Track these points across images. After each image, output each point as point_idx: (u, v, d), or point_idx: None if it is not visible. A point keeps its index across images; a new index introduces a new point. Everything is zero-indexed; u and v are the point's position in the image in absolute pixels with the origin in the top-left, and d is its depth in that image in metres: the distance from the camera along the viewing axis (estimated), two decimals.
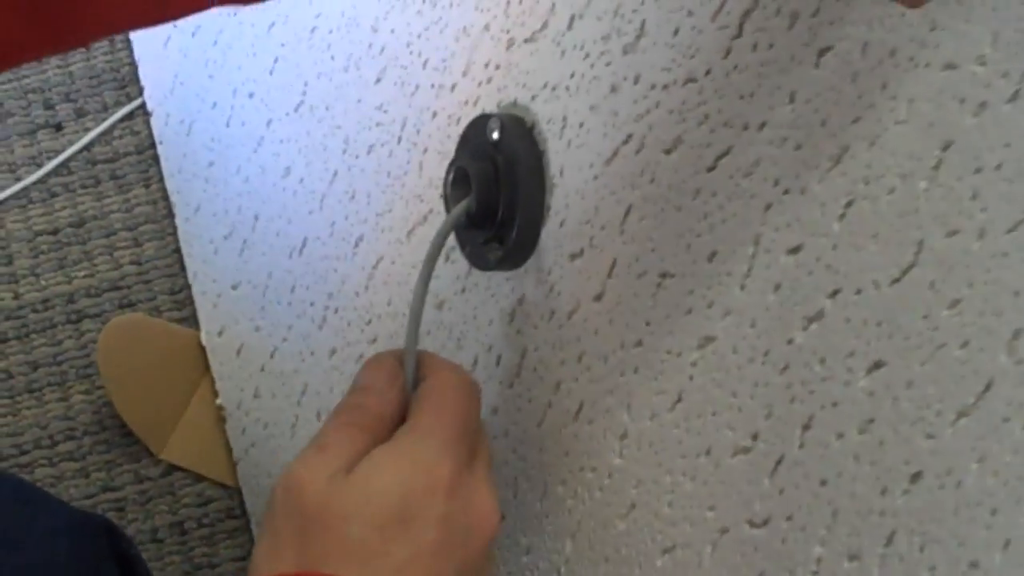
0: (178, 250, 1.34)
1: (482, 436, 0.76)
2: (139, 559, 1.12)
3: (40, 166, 1.36)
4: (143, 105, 1.38)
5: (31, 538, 0.98)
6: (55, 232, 1.34)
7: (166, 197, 1.36)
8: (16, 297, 1.32)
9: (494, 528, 0.74)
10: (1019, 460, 0.53)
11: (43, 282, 1.33)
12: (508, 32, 0.78)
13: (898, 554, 0.59)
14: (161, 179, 1.36)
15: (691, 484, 0.70)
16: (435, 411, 0.74)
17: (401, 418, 0.75)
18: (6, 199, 1.34)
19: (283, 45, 1.08)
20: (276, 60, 1.10)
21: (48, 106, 1.37)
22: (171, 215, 1.35)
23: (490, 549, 0.74)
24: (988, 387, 0.54)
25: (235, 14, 1.17)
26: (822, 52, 0.59)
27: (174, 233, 1.34)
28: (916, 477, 0.58)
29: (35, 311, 1.32)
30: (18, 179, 1.35)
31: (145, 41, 1.37)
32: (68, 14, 0.50)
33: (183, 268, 1.34)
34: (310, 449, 0.73)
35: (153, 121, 1.36)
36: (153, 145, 1.37)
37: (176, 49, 1.30)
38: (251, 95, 1.15)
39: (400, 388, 0.76)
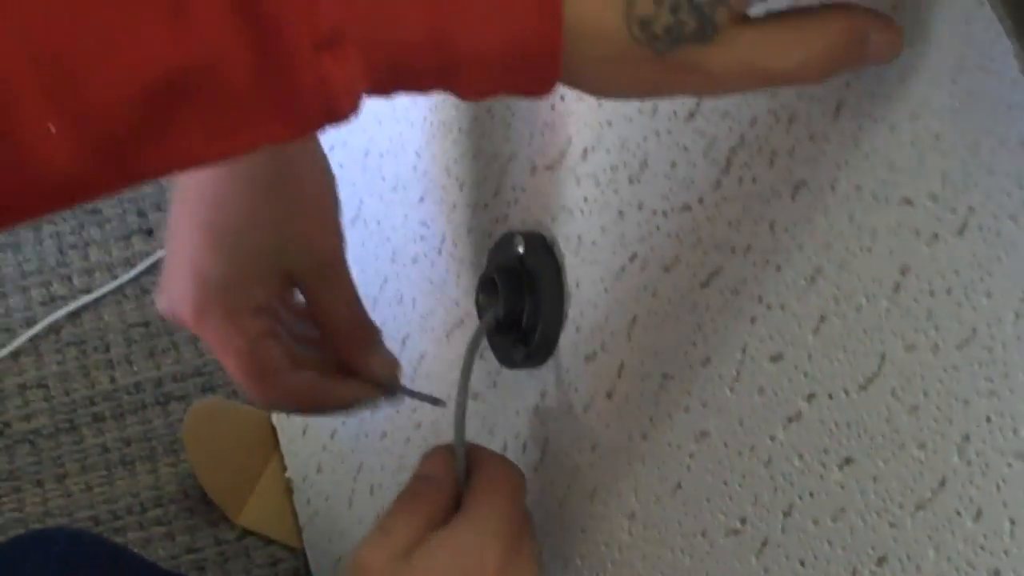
0: None
1: (527, 519, 0.75)
2: None
3: (133, 266, 1.37)
4: None
5: None
6: (146, 324, 1.35)
7: None
8: (112, 381, 1.33)
9: None
10: (969, 548, 0.52)
11: (135, 368, 1.33)
12: (531, 161, 0.78)
13: None
14: None
15: (689, 560, 0.70)
16: (488, 500, 0.73)
17: (456, 505, 0.74)
18: (104, 295, 1.35)
19: (341, 166, 1.08)
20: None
21: (141, 214, 1.38)
22: None
23: None
24: (942, 483, 0.53)
25: None
26: (798, 187, 0.58)
27: None
28: (882, 560, 0.57)
29: (128, 393, 1.33)
30: (115, 277, 1.36)
31: None
32: (135, 156, 0.49)
33: None
34: (376, 533, 0.72)
35: None
36: None
37: None
38: None
39: (455, 478, 0.75)
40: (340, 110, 0.50)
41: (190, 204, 0.73)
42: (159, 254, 1.35)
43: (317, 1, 0.47)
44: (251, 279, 0.73)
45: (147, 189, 1.39)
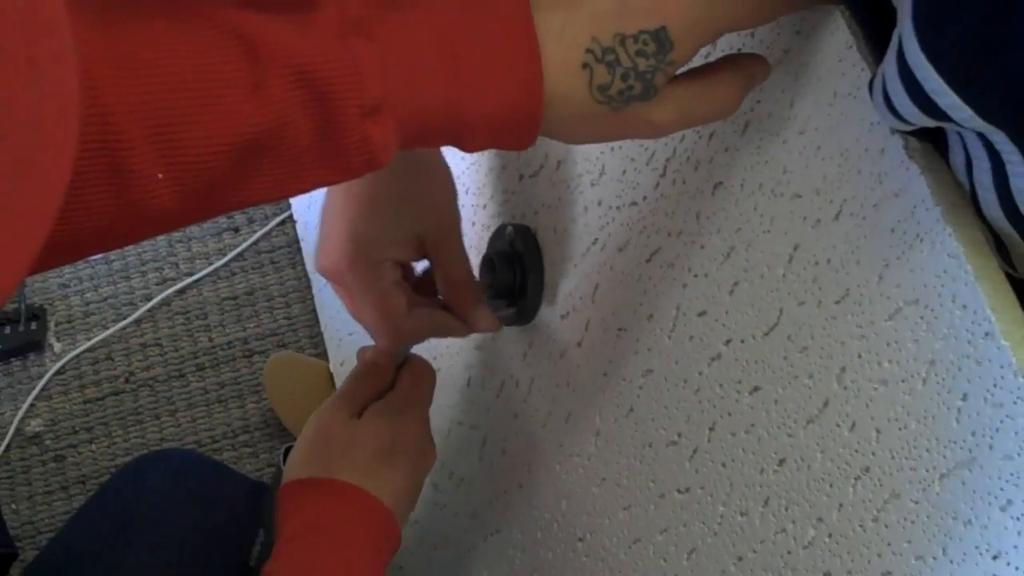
0: (314, 310, 1.34)
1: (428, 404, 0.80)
2: None
3: (224, 255, 1.37)
4: (291, 215, 1.38)
5: (218, 497, 0.97)
6: (235, 298, 1.35)
7: (306, 275, 1.36)
8: (210, 340, 1.33)
9: (431, 466, 0.79)
10: (846, 451, 0.53)
11: (227, 330, 1.33)
12: (519, 170, 0.78)
13: (771, 511, 0.58)
14: (303, 263, 1.36)
15: (639, 464, 0.70)
16: (413, 386, 0.78)
17: (391, 384, 0.78)
18: (202, 277, 1.35)
19: None
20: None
21: (229, 216, 1.38)
22: (310, 287, 1.35)
23: (423, 480, 0.79)
24: (826, 404, 0.54)
25: None
26: (716, 186, 0.58)
27: (312, 299, 1.34)
28: (782, 462, 0.57)
29: (222, 349, 1.33)
30: (210, 263, 1.36)
31: None
32: (220, 196, 0.49)
33: (317, 322, 1.34)
34: (335, 399, 0.78)
35: (297, 226, 1.36)
36: (297, 241, 1.37)
37: None
38: None
39: (393, 366, 0.79)
40: (379, 162, 0.50)
41: (347, 185, 0.73)
42: (243, 246, 1.35)
43: (363, 82, 0.47)
44: (393, 238, 0.73)
45: None
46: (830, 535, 0.55)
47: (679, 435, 0.65)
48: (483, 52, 0.48)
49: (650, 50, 0.48)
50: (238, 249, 1.36)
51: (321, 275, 0.77)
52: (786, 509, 0.57)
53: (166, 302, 1.34)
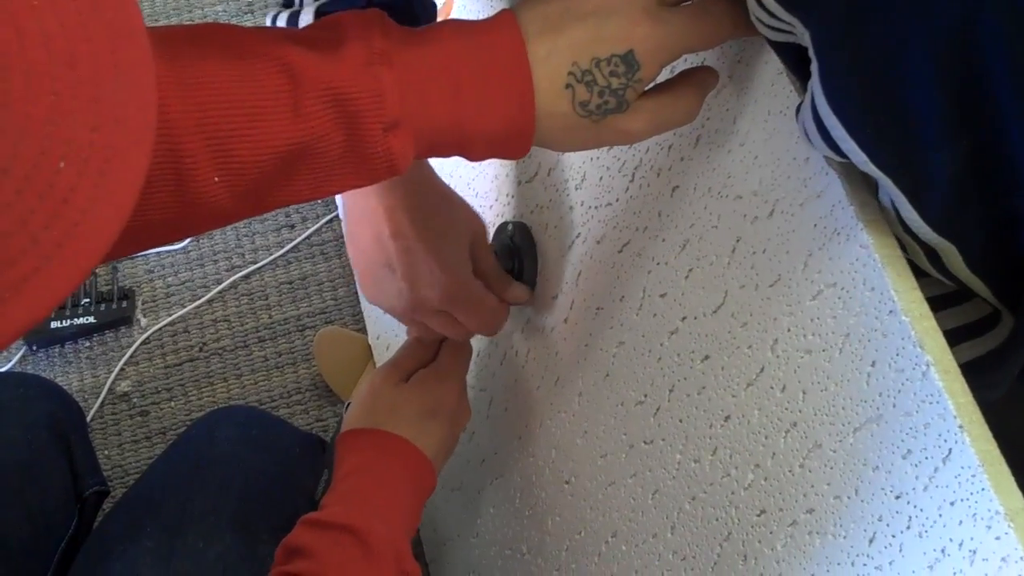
0: (356, 293, 1.34)
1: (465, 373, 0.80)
2: None
3: (282, 247, 1.36)
4: (337, 214, 1.38)
5: (276, 445, 0.97)
6: (291, 282, 1.35)
7: (349, 264, 1.36)
8: (269, 317, 1.33)
9: (466, 424, 0.79)
10: (779, 409, 0.53)
11: (284, 309, 1.33)
12: (517, 177, 0.78)
13: (719, 459, 0.58)
14: (347, 255, 1.36)
15: (614, 420, 0.70)
16: (452, 357, 0.78)
17: (435, 356, 0.78)
18: (264, 265, 1.35)
19: None
20: None
21: (286, 214, 1.38)
22: (352, 274, 1.35)
23: (459, 435, 0.79)
24: (762, 370, 0.53)
25: None
26: (674, 189, 0.58)
27: (354, 284, 1.35)
28: (727, 419, 0.57)
29: (280, 325, 1.33)
30: (270, 253, 1.36)
31: None
32: (267, 196, 0.50)
33: (358, 302, 1.34)
34: (386, 366, 0.78)
35: (343, 223, 1.36)
36: (342, 236, 1.37)
37: None
38: None
39: (437, 342, 0.78)
40: (398, 169, 0.50)
41: (401, 246, 0.71)
42: (298, 239, 1.35)
43: (384, 102, 0.48)
44: (464, 256, 0.72)
45: None
46: (766, 478, 0.55)
47: (645, 396, 0.65)
48: (484, 79, 0.49)
49: (621, 70, 0.48)
50: (294, 242, 1.36)
51: (423, 314, 0.74)
52: (730, 457, 0.57)
53: (233, 285, 1.34)
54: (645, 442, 0.66)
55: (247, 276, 1.34)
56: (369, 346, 1.32)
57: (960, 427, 0.41)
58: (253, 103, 0.47)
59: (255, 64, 0.47)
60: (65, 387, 1.02)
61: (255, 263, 1.34)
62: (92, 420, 1.24)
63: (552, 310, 0.75)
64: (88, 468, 0.93)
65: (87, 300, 1.29)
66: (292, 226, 1.37)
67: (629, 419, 0.67)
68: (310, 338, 1.30)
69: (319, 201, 1.36)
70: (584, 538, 0.78)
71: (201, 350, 1.30)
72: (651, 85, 0.50)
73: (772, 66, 0.49)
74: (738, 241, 0.53)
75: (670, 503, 0.64)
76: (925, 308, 0.43)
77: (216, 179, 0.48)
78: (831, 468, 0.49)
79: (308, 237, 1.35)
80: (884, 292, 0.44)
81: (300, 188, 0.50)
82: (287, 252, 1.35)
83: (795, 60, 0.46)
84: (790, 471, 0.52)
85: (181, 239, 0.52)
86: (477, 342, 0.90)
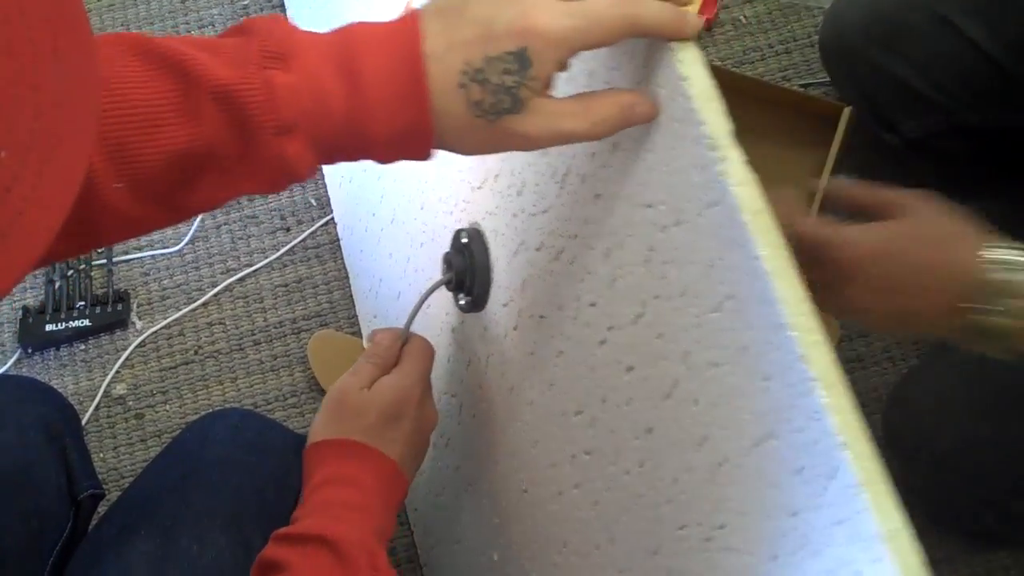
0: (351, 295, 1.34)
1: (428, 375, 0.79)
2: None
3: (277, 251, 1.37)
4: (332, 218, 1.39)
5: (271, 448, 0.97)
6: (286, 285, 1.35)
7: (344, 268, 1.36)
8: (264, 320, 1.33)
9: (434, 426, 0.78)
10: (692, 423, 0.52)
11: (278, 312, 1.34)
12: (470, 183, 0.78)
13: (645, 471, 0.58)
14: (342, 258, 1.37)
15: (558, 430, 0.70)
16: (414, 360, 0.77)
17: (396, 360, 0.78)
18: (259, 268, 1.36)
19: (384, 191, 1.07)
20: (382, 196, 1.09)
21: (282, 217, 1.39)
22: (347, 277, 1.35)
23: (429, 438, 0.79)
24: (676, 383, 0.53)
25: (364, 169, 1.16)
26: (597, 196, 0.58)
27: (348, 287, 1.35)
28: (650, 431, 0.57)
29: (274, 327, 1.33)
30: (265, 257, 1.37)
31: (332, 185, 1.38)
32: (172, 202, 0.50)
33: (353, 306, 1.34)
34: (349, 373, 0.77)
35: (337, 227, 1.37)
36: (337, 239, 1.37)
37: (344, 191, 1.31)
38: (373, 215, 1.15)
39: (398, 345, 0.78)
40: (298, 174, 0.50)
41: None
42: (293, 242, 1.36)
43: (277, 106, 0.48)
44: None
45: (285, 203, 1.40)
46: (683, 493, 0.54)
47: (583, 406, 0.65)
48: (379, 78, 0.48)
49: (513, 68, 0.47)
50: (289, 245, 1.37)
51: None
52: (654, 470, 0.57)
53: (228, 288, 1.35)
54: (585, 452, 0.66)
55: (242, 279, 1.35)
56: (363, 349, 1.32)
57: (842, 444, 0.41)
58: (147, 106, 0.48)
59: (150, 66, 0.48)
60: (60, 390, 1.03)
61: (250, 266, 1.35)
62: (87, 423, 1.26)
63: (504, 317, 0.75)
64: (83, 471, 0.93)
65: (82, 303, 1.31)
66: (287, 229, 1.38)
67: (571, 429, 0.67)
68: (305, 341, 1.31)
69: (314, 204, 1.37)
70: (542, 547, 0.77)
71: (196, 353, 1.31)
72: (579, 93, 0.50)
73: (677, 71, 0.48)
74: (651, 250, 0.53)
75: (608, 515, 0.64)
76: (812, 322, 0.42)
77: (118, 185, 0.48)
78: (737, 484, 0.49)
79: (303, 240, 1.36)
80: (774, 306, 0.43)
81: (204, 193, 0.51)
82: (282, 255, 1.36)
83: None
84: (703, 486, 0.52)
85: (97, 247, 0.52)
86: (446, 347, 0.90)
